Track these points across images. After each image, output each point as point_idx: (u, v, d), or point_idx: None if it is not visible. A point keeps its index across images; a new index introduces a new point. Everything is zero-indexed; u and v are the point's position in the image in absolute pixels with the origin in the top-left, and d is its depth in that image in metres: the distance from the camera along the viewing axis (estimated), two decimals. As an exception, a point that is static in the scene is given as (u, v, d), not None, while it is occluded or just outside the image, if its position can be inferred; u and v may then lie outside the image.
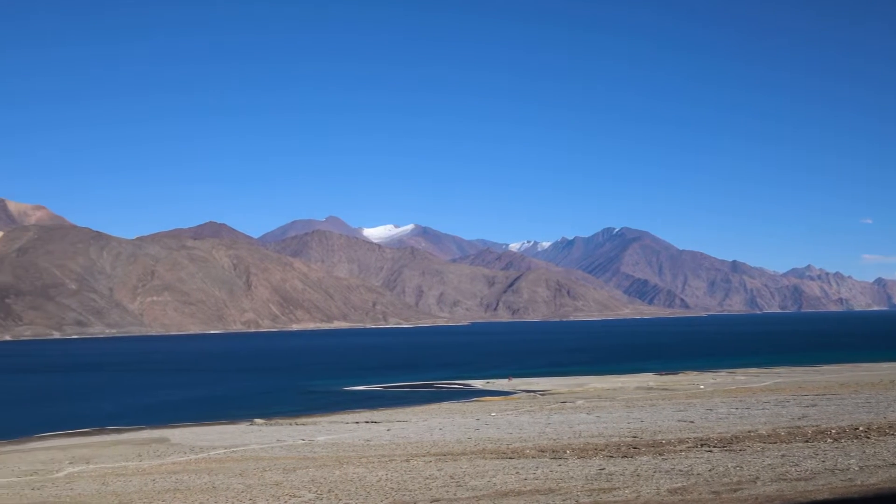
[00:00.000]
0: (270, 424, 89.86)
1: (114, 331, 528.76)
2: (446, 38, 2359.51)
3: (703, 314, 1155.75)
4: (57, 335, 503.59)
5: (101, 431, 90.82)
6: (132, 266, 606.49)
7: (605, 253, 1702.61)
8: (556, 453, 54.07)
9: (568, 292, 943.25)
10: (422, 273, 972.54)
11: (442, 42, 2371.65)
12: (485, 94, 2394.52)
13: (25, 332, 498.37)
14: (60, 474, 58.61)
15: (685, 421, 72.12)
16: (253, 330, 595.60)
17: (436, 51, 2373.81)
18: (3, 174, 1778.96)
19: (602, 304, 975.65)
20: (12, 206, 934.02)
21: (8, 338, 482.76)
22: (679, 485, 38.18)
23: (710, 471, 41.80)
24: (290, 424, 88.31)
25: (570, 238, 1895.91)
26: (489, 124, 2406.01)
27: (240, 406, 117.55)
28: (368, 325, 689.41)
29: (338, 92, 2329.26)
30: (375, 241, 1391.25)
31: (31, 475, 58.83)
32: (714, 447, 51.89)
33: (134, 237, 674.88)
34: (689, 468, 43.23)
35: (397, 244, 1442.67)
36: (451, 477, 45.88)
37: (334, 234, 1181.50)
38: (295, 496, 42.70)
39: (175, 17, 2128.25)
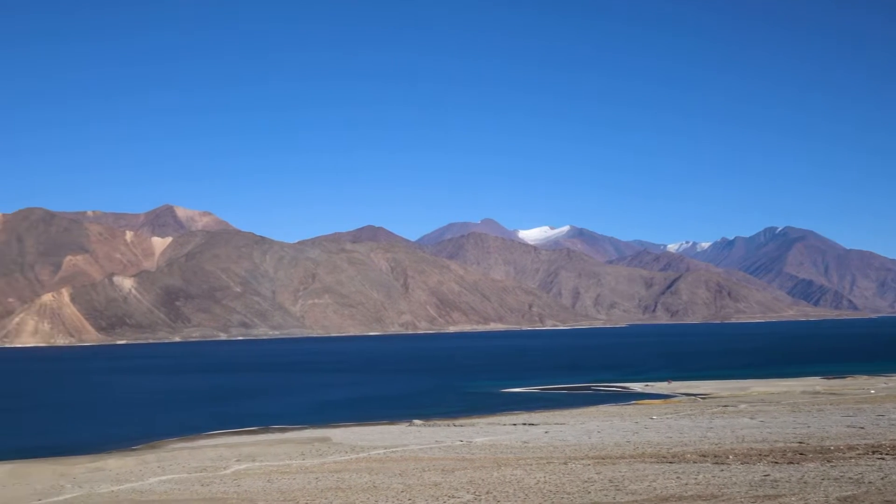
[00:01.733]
0: (429, 425, 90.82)
1: (276, 332, 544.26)
2: (597, 42, 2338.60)
3: (873, 316, 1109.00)
4: (223, 336, 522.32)
5: (266, 430, 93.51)
6: (294, 269, 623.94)
7: (768, 253, 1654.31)
8: (718, 458, 53.06)
9: (729, 294, 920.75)
10: (578, 275, 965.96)
11: (596, 46, 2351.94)
12: (638, 99, 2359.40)
13: (194, 334, 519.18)
14: (228, 471, 60.71)
15: (855, 427, 69.71)
16: (410, 332, 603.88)
17: (589, 56, 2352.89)
18: (173, 182, 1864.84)
19: (765, 305, 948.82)
20: (181, 212, 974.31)
21: (177, 339, 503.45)
22: (849, 493, 36.99)
23: (882, 479, 40.34)
24: (449, 425, 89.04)
25: (731, 238, 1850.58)
26: (645, 126, 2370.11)
27: (399, 406, 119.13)
28: (524, 327, 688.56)
29: (496, 94, 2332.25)
30: (531, 242, 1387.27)
31: (201, 471, 61.16)
32: (886, 454, 50.06)
33: (295, 241, 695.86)
34: (860, 476, 41.80)
35: (553, 246, 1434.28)
36: (610, 481, 45.51)
37: (490, 237, 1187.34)
38: (453, 497, 43.11)
39: (319, 8, 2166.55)
